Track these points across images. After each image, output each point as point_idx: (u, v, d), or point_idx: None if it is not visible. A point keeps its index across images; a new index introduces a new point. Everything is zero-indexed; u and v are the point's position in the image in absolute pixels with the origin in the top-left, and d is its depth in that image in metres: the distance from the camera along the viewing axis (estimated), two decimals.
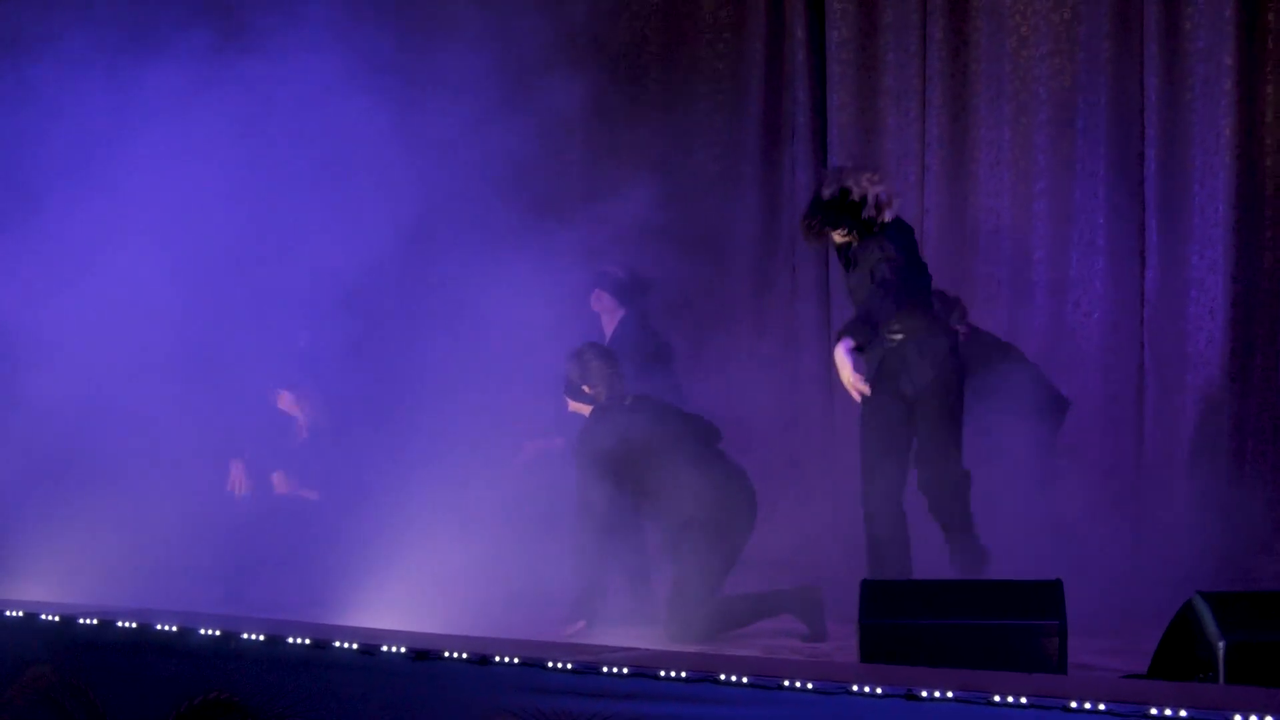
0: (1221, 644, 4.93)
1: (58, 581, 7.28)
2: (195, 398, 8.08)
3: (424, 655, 5.12)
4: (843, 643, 7.09)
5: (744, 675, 4.52)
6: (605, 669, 4.76)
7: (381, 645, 5.22)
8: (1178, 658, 5.21)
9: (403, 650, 5.17)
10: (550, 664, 4.86)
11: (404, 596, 6.44)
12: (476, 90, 9.76)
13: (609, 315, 8.98)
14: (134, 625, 5.79)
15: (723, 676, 4.53)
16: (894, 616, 5.64)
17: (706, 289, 10.67)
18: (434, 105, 8.80)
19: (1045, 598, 5.64)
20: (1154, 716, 3.87)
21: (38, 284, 8.03)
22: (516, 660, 4.93)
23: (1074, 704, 3.99)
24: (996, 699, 4.12)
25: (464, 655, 5.04)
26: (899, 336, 7.66)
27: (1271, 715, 3.76)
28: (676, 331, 9.86)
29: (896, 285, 7.37)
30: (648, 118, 11.24)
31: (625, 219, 10.63)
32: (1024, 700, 4.07)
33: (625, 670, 4.72)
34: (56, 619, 6.02)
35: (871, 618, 5.61)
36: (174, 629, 5.67)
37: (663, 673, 4.64)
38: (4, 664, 6.07)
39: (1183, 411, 9.72)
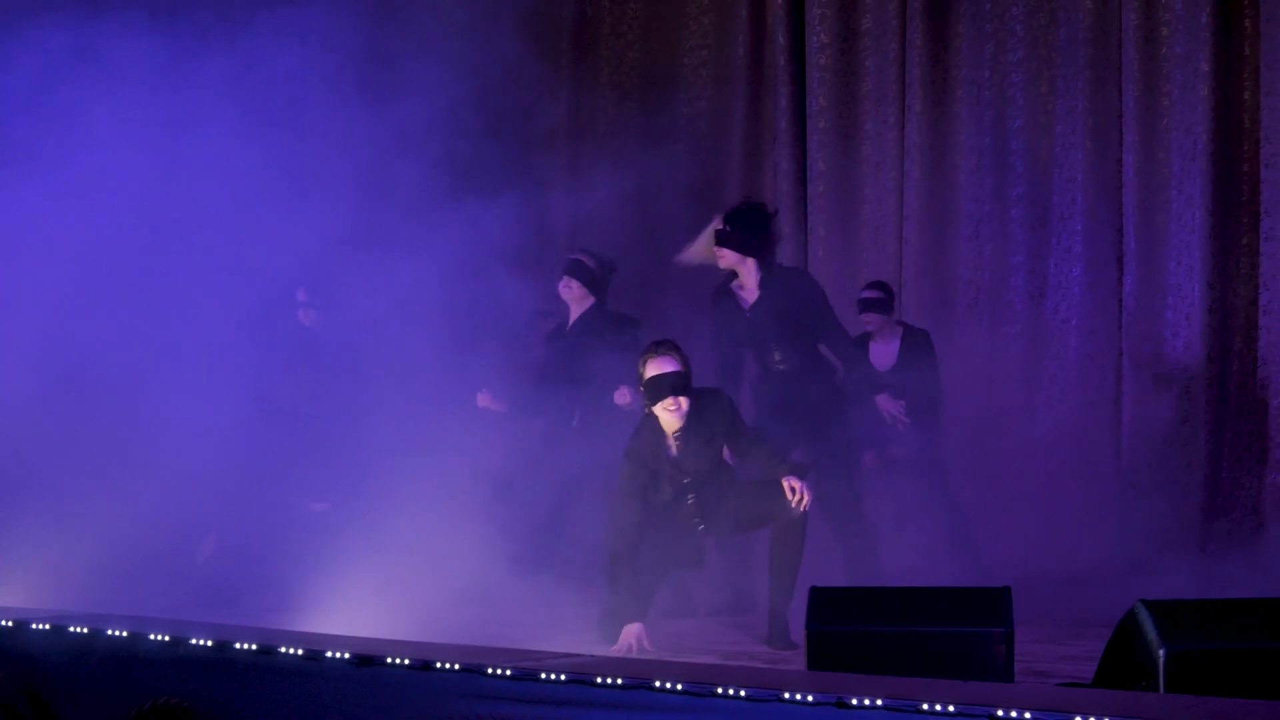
0: (1161, 652, 4.94)
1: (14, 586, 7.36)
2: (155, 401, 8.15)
3: (367, 661, 5.17)
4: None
5: (678, 682, 4.55)
6: (544, 675, 4.79)
7: (326, 651, 5.26)
8: (1121, 665, 5.22)
9: (346, 656, 5.21)
10: (490, 670, 4.90)
11: (352, 599, 6.49)
12: (455, 98, 9.81)
13: (577, 303, 9.04)
14: (85, 630, 5.83)
15: (658, 683, 4.56)
16: (841, 623, 5.66)
17: (689, 293, 10.67)
18: (410, 112, 8.85)
19: (994, 604, 5.65)
20: None
21: None
22: (457, 666, 4.97)
23: (1000, 712, 4.01)
24: (925, 706, 4.14)
25: (406, 661, 5.09)
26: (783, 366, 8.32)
27: None
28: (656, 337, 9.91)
29: None
30: (631, 123, 11.29)
31: (609, 224, 10.68)
32: (951, 708, 4.09)
33: (563, 676, 4.76)
34: (10, 624, 6.08)
35: (819, 624, 5.63)
36: (124, 634, 5.72)
37: (600, 679, 4.68)
38: None
39: (1159, 416, 9.73)
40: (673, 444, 7.41)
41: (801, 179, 10.80)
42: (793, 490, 7.27)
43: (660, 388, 7.30)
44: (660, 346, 7.45)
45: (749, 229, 8.26)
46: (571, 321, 8.96)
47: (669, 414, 7.34)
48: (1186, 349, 9.60)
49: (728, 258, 8.28)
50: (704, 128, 11.24)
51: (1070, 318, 10.03)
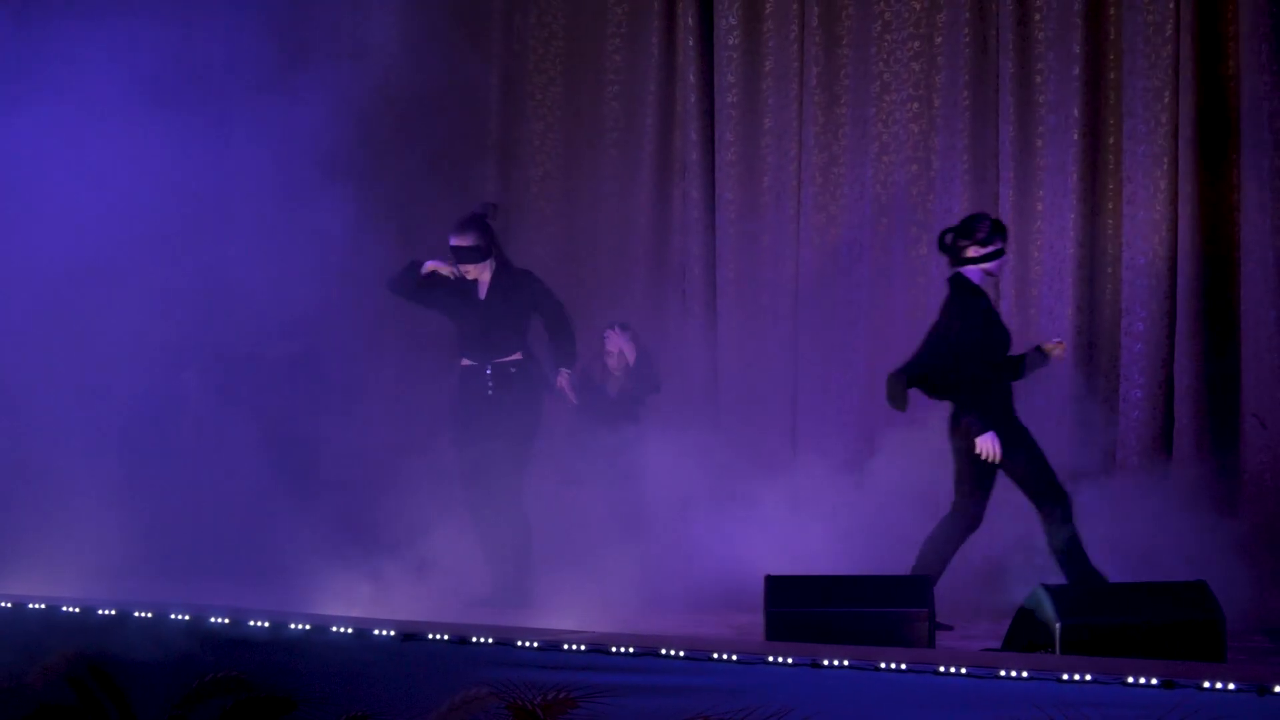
0: (1057, 625, 6.14)
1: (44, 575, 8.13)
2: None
3: (411, 637, 6.09)
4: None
5: (680, 650, 5.60)
6: (566, 646, 5.80)
7: (373, 629, 6.19)
8: (1024, 636, 6.39)
9: (392, 633, 6.14)
10: (520, 643, 5.89)
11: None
12: (389, 103, 10.63)
13: (482, 272, 9.61)
14: (150, 615, 6.66)
15: (663, 651, 5.61)
16: (795, 605, 6.76)
17: (602, 313, 11.33)
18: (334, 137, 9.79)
19: (917, 590, 6.80)
20: (1003, 677, 5.03)
21: None
22: (491, 640, 5.93)
23: (941, 669, 5.13)
24: (883, 665, 5.25)
25: (445, 637, 6.03)
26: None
27: (1090, 674, 4.93)
28: None
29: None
30: (550, 156, 12.07)
31: (532, 249, 11.52)
32: (904, 666, 5.21)
33: (582, 647, 5.77)
34: (77, 610, 6.87)
35: (776, 606, 6.73)
36: (186, 617, 6.57)
37: (614, 648, 5.70)
38: (26, 651, 6.82)
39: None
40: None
41: (710, 206, 11.55)
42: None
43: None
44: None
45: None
46: (486, 289, 9.57)
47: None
48: (1055, 365, 10.14)
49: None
50: (619, 159, 11.91)
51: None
